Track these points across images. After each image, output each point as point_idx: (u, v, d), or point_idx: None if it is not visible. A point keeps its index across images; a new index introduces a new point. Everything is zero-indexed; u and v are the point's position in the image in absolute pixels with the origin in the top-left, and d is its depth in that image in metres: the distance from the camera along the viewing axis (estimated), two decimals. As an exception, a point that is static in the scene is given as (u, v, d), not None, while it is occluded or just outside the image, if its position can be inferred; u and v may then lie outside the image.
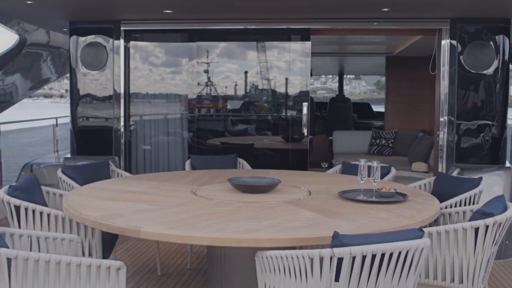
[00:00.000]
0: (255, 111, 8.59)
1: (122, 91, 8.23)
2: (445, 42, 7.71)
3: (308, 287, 3.20)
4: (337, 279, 3.10)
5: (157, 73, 8.55)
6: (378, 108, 18.69)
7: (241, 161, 7.01)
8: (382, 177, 5.31)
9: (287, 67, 8.23)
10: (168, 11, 7.41)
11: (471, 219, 4.00)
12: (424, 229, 3.42)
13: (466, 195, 4.94)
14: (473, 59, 7.50)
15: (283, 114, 8.41)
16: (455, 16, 7.51)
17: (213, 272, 4.74)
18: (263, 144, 8.56)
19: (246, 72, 8.40)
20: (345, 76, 21.00)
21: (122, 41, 8.20)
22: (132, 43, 8.40)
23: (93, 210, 4.10)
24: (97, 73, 8.15)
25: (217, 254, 4.58)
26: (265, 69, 8.33)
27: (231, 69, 8.42)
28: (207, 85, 8.43)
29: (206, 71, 8.38)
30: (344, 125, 15.50)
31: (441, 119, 7.80)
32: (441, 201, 4.73)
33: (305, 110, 8.08)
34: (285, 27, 8.12)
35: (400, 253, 3.12)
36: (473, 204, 4.93)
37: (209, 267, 4.92)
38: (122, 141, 8.28)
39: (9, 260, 3.15)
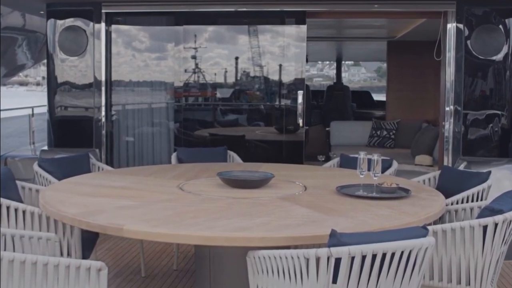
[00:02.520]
0: (246, 100, 8.59)
1: (103, 78, 8.20)
2: (451, 26, 7.67)
3: (303, 289, 3.20)
4: (334, 280, 3.10)
5: (141, 59, 8.53)
6: (379, 96, 18.72)
7: (231, 153, 7.01)
8: (383, 171, 5.31)
9: (281, 53, 8.22)
10: (152, -8, 7.40)
11: (479, 216, 4.01)
12: (429, 227, 3.41)
13: (474, 190, 4.95)
14: (481, 44, 7.45)
15: (277, 103, 8.40)
16: (461, -2, 7.50)
17: (201, 273, 4.74)
18: (255, 136, 8.56)
19: (236, 58, 8.39)
20: (343, 62, 21.02)
21: (103, 24, 8.16)
22: (114, 26, 8.35)
23: (72, 207, 4.10)
24: (76, 59, 8.12)
25: (205, 254, 4.58)
26: (257, 55, 8.31)
27: (221, 55, 8.41)
28: (194, 72, 8.42)
29: (194, 57, 8.36)
30: (342, 115, 15.53)
31: (447, 108, 7.74)
32: (446, 197, 4.73)
33: (300, 99, 8.06)
34: (279, 9, 8.09)
35: (402, 253, 3.13)
36: (481, 200, 4.94)
37: (197, 268, 4.93)
38: (103, 132, 8.25)
39: (-19, 261, 3.14)
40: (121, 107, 8.58)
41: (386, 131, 11.92)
